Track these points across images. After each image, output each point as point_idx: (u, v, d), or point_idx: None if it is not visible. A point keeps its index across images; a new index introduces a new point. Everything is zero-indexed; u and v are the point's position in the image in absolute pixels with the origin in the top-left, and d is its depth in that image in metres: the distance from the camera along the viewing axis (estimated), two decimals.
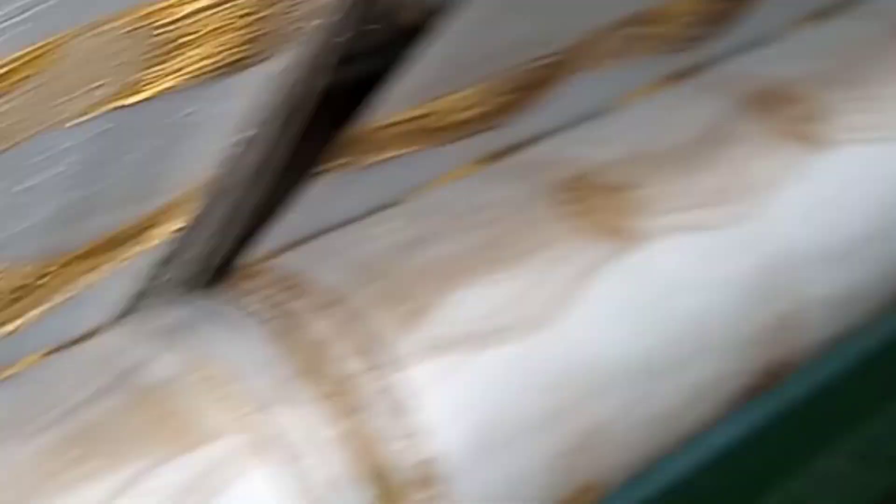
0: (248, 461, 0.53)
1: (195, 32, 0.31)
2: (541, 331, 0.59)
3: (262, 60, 0.35)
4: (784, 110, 0.71)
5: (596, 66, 0.59)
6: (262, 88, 0.38)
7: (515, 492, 0.59)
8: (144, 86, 0.33)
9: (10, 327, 0.47)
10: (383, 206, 0.63)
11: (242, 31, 0.32)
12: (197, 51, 0.32)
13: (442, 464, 0.56)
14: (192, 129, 0.38)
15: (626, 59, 0.61)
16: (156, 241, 0.51)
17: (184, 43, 0.32)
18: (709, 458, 0.70)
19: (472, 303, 0.59)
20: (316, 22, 0.34)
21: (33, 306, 0.47)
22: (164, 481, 0.51)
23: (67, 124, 0.35)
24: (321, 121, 0.58)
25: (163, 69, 0.33)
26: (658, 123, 0.69)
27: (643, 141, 0.68)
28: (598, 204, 0.64)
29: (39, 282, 0.46)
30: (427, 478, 0.56)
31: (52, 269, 0.46)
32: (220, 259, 0.61)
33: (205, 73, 0.33)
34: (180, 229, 0.49)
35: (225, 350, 0.56)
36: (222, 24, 0.32)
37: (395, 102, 0.51)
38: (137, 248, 0.50)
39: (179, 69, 0.33)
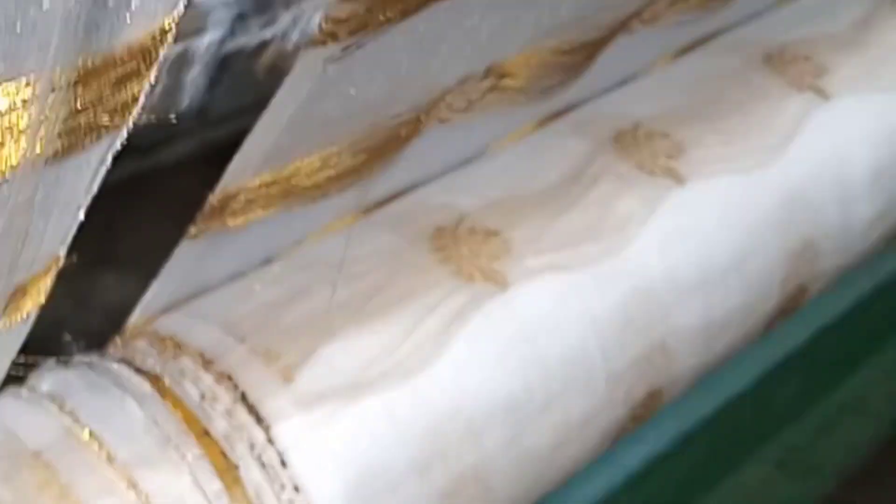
0: None
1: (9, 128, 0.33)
2: (414, 378, 0.61)
3: (83, 149, 0.37)
4: (646, 147, 0.73)
5: (452, 120, 0.61)
6: (92, 171, 0.40)
7: None
8: None
9: None
10: (258, 265, 0.64)
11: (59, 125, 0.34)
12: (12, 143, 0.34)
13: None
14: (28, 213, 0.40)
15: (481, 112, 0.63)
16: (24, 314, 0.52)
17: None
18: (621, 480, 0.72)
19: (344, 355, 0.60)
20: (134, 109, 0.36)
21: None
22: None
23: None
24: (190, 186, 0.59)
25: None
26: (526, 167, 0.71)
27: (511, 186, 0.70)
28: (467, 250, 0.66)
29: None
30: None
31: None
32: (101, 324, 0.62)
33: (23, 165, 0.35)
34: (44, 303, 0.50)
35: (103, 414, 0.57)
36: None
37: (244, 171, 0.53)
38: (4, 322, 0.51)
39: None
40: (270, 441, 0.58)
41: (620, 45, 0.69)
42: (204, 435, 0.57)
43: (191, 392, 0.58)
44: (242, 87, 0.84)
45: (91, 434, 0.56)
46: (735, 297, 0.73)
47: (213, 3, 0.84)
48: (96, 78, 0.34)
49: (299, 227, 0.63)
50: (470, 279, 0.65)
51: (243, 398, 0.58)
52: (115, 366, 0.60)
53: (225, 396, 0.58)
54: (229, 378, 0.59)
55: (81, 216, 0.42)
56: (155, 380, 0.59)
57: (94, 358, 0.61)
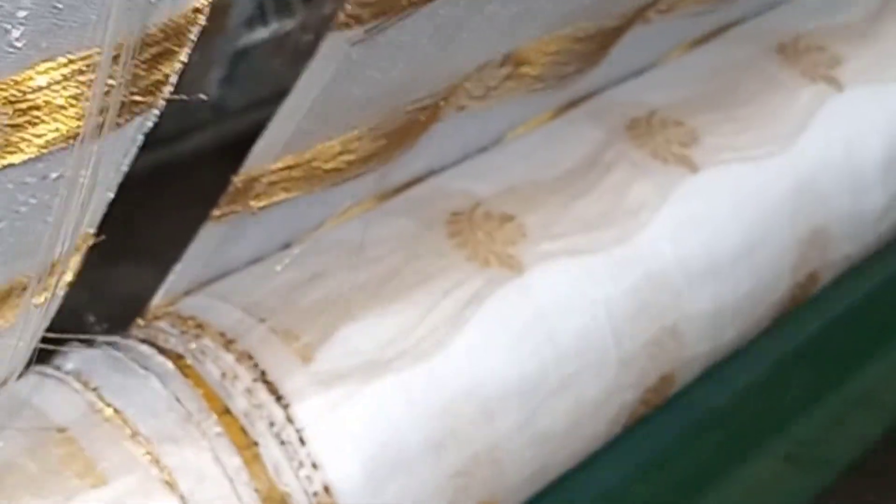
0: (148, 499, 0.55)
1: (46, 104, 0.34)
2: (430, 359, 0.62)
3: (116, 127, 0.38)
4: (660, 135, 0.74)
5: (470, 108, 0.62)
6: (124, 150, 0.41)
7: None
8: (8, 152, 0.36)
9: None
10: (279, 249, 0.65)
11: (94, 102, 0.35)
12: (50, 120, 0.35)
13: (338, 493, 0.59)
14: (66, 190, 0.41)
15: (499, 99, 0.64)
16: (55, 292, 0.53)
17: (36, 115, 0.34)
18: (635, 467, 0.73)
19: (361, 336, 0.61)
20: (165, 88, 0.37)
21: None
22: None
23: None
24: (214, 171, 0.60)
25: (22, 137, 0.35)
26: (542, 155, 0.72)
27: (527, 172, 0.71)
28: (483, 235, 0.67)
29: None
30: None
31: None
32: (126, 305, 0.63)
33: (59, 142, 0.36)
34: (71, 282, 0.51)
35: (126, 391, 0.58)
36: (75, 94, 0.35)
37: (268, 154, 0.54)
38: (33, 301, 0.52)
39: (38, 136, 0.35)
40: (289, 419, 0.59)
41: (637, 35, 0.70)
42: (225, 413, 0.58)
43: (212, 371, 0.59)
44: (262, 76, 0.85)
45: (115, 411, 0.57)
46: (746, 283, 0.74)
47: None
48: (131, 57, 0.35)
49: (318, 211, 0.64)
50: (485, 263, 0.66)
51: (263, 377, 0.59)
52: (139, 345, 0.61)
53: (245, 375, 0.59)
54: (250, 357, 0.60)
55: (111, 195, 0.43)
56: (177, 359, 0.60)
57: (117, 338, 0.62)
